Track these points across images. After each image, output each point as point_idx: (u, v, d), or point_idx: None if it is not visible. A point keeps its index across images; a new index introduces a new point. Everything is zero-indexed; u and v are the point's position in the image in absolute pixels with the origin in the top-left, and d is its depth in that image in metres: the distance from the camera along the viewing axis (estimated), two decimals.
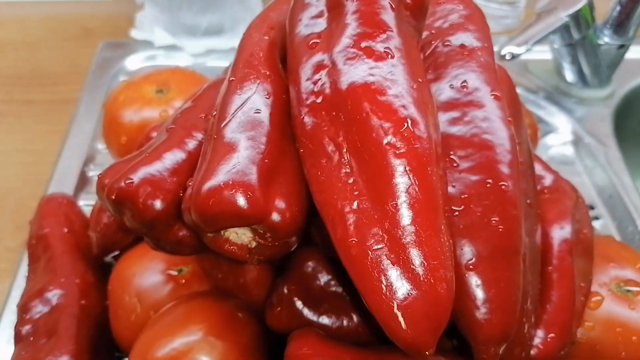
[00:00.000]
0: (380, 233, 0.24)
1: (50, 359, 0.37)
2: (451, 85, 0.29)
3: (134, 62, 0.67)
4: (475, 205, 0.27)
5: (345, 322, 0.32)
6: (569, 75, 0.64)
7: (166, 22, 0.67)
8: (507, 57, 0.53)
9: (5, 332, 0.44)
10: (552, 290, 0.32)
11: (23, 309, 0.42)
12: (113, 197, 0.30)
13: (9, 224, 0.52)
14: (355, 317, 0.32)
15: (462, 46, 0.31)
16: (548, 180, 0.37)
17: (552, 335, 0.31)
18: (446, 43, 0.31)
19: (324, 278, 0.33)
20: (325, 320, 0.32)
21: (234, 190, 0.26)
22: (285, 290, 0.32)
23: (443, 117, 0.28)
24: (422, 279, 0.23)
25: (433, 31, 0.32)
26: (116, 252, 0.44)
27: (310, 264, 0.33)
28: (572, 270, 0.33)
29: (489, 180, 0.27)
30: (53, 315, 0.40)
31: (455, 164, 0.28)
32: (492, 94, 0.29)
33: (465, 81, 0.29)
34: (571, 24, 0.58)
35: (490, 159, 0.27)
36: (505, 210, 0.26)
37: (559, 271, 0.33)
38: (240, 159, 0.27)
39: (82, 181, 0.55)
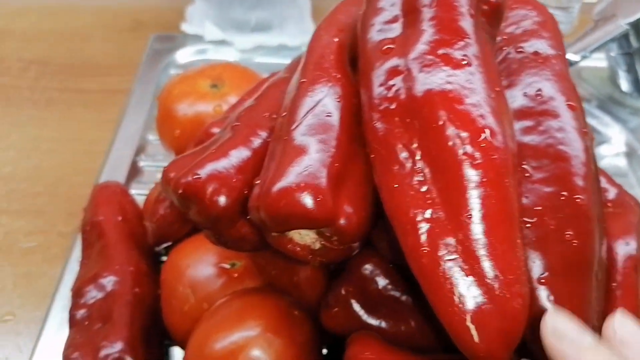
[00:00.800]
0: (454, 244, 0.24)
1: (105, 344, 0.38)
2: (525, 93, 0.29)
3: (184, 56, 0.68)
4: (549, 218, 0.26)
5: (402, 328, 0.32)
6: (625, 84, 0.63)
7: (216, 17, 0.68)
8: None
9: (58, 316, 0.46)
10: (616, 307, 0.31)
11: (77, 293, 0.43)
12: (180, 192, 0.31)
13: (61, 211, 0.54)
14: (412, 323, 0.31)
15: (536, 53, 0.30)
16: (612, 193, 0.36)
17: None
18: (519, 50, 0.30)
19: (382, 282, 0.33)
20: (382, 323, 0.32)
21: (304, 193, 0.26)
22: (343, 292, 0.32)
23: (516, 126, 0.28)
24: (497, 292, 0.23)
25: (505, 37, 0.31)
26: (169, 243, 0.44)
27: (368, 266, 0.33)
28: (636, 287, 0.32)
29: (564, 193, 0.26)
30: (107, 301, 0.41)
31: (527, 174, 0.27)
32: (568, 104, 0.28)
33: (539, 89, 0.28)
34: (631, 32, 0.56)
35: (565, 171, 0.27)
36: (580, 225, 0.26)
37: (623, 288, 0.32)
38: (311, 162, 0.27)
39: (134, 171, 0.56)
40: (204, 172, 0.30)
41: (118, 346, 0.38)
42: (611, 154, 0.59)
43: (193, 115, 0.49)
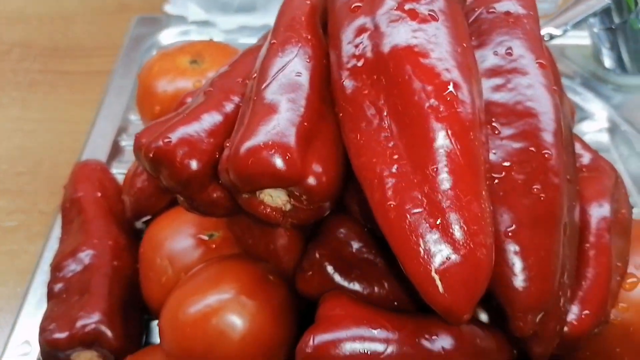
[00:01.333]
0: (420, 197, 0.24)
1: (82, 314, 0.38)
2: (495, 52, 0.29)
3: (168, 37, 0.67)
4: (517, 173, 0.26)
5: (375, 289, 0.32)
6: (607, 61, 0.63)
7: None
8: (546, 38, 0.52)
9: (37, 292, 0.45)
10: (588, 267, 0.32)
11: (56, 268, 0.43)
12: (151, 156, 0.30)
13: (43, 190, 0.54)
14: (386, 285, 0.32)
15: (507, 13, 0.30)
16: (586, 158, 0.37)
17: (586, 312, 0.30)
18: (490, 10, 0.30)
19: (355, 245, 0.33)
20: (356, 286, 0.32)
21: (272, 151, 0.26)
22: (317, 255, 0.32)
23: (486, 84, 0.28)
24: (461, 243, 0.23)
25: None
26: (148, 217, 0.44)
27: (342, 230, 0.33)
28: (609, 248, 0.32)
29: (532, 148, 0.26)
30: (85, 274, 0.41)
31: (497, 131, 0.27)
32: (537, 62, 0.28)
33: (510, 48, 0.28)
34: (613, 7, 0.56)
35: (534, 127, 0.27)
36: (547, 179, 0.26)
37: (596, 249, 0.32)
38: (280, 121, 0.27)
39: (115, 150, 0.56)
40: (174, 135, 0.30)
41: (95, 317, 0.37)
42: (594, 130, 0.59)
43: (173, 92, 0.48)
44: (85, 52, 0.67)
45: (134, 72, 0.63)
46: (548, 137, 0.27)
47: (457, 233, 0.23)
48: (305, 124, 0.28)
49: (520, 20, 0.30)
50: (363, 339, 0.26)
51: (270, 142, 0.26)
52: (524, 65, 0.28)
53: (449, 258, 0.23)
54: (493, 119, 0.27)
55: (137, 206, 0.43)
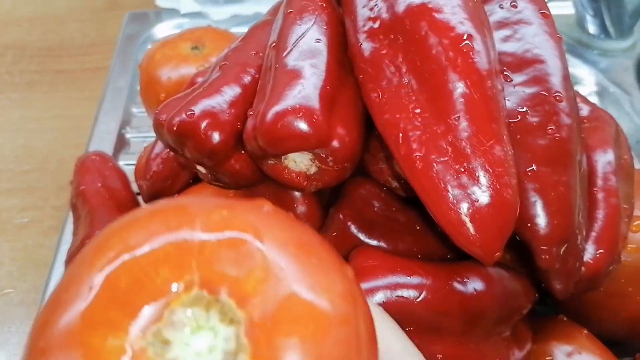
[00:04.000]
0: (444, 146, 0.25)
1: None
2: (501, 5, 0.30)
3: (162, 30, 0.68)
4: (531, 116, 0.28)
5: (400, 244, 0.33)
6: (592, 27, 0.65)
7: None
8: None
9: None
10: (598, 209, 0.33)
11: (67, 263, 0.43)
12: (175, 129, 0.31)
13: (52, 186, 0.54)
14: (409, 239, 0.33)
15: None
16: (585, 110, 0.38)
17: (601, 251, 0.32)
18: None
19: (377, 204, 0.34)
20: (380, 242, 0.33)
21: (300, 114, 0.27)
22: (341, 217, 0.33)
23: (495, 36, 0.29)
24: (487, 186, 0.24)
25: None
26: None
27: (362, 191, 0.34)
28: (616, 189, 0.34)
29: (543, 92, 0.28)
30: None
31: (509, 79, 0.29)
32: (541, 12, 0.30)
33: (514, 1, 0.30)
34: None
35: (543, 72, 0.28)
36: (560, 119, 0.27)
37: (604, 191, 0.34)
38: (305, 85, 0.28)
39: (121, 143, 0.56)
40: (197, 108, 0.31)
41: None
42: (583, 94, 0.61)
43: (177, 79, 0.49)
44: (80, 50, 0.67)
45: (131, 67, 0.63)
46: (557, 80, 0.28)
47: (483, 176, 0.24)
48: (328, 87, 0.29)
49: None
50: (398, 285, 0.27)
51: (297, 106, 0.27)
52: (528, 16, 0.30)
53: (477, 200, 0.24)
54: (505, 68, 0.29)
55: (154, 189, 0.43)
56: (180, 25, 0.68)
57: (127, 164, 0.54)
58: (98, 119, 0.58)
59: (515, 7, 0.30)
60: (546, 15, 0.30)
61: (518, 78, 0.28)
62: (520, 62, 0.29)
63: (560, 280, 0.29)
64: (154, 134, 0.56)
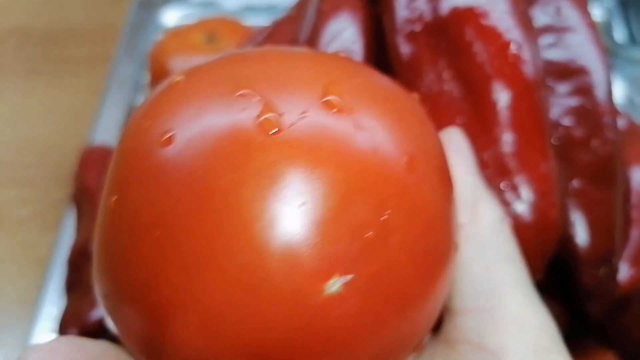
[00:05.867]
0: (486, 159, 0.24)
1: (92, 310, 0.37)
2: (544, 10, 0.28)
3: (170, 19, 0.66)
4: (574, 129, 0.26)
5: None
6: (619, 35, 0.63)
7: None
8: None
9: (57, 282, 0.44)
10: (633, 227, 0.32)
11: (70, 262, 0.42)
12: None
13: (54, 179, 0.52)
14: None
15: None
16: (620, 123, 0.37)
17: (635, 271, 0.31)
18: None
19: None
20: None
21: None
22: None
23: (539, 43, 0.28)
24: (532, 204, 0.23)
25: None
26: None
27: None
28: None
29: (587, 105, 0.26)
30: None
31: (552, 89, 0.27)
32: (587, 20, 0.28)
33: (558, 7, 0.28)
34: None
35: (588, 83, 0.27)
36: (603, 134, 0.26)
37: (639, 209, 0.32)
38: None
39: None
40: None
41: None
42: None
43: None
44: (85, 37, 0.65)
45: (138, 57, 0.61)
46: (602, 93, 0.27)
47: (527, 194, 0.23)
48: None
49: None
50: None
51: None
52: (574, 24, 0.28)
53: (520, 219, 0.23)
54: (548, 77, 0.27)
55: None
56: (190, 16, 0.66)
57: None
58: (102, 109, 0.56)
59: (560, 13, 0.28)
60: (592, 24, 0.28)
61: (561, 88, 0.27)
62: (564, 72, 0.27)
63: (597, 301, 0.28)
64: None
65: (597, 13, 0.64)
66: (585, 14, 0.29)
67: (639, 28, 0.61)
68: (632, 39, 0.62)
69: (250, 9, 0.66)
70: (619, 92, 0.60)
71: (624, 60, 0.63)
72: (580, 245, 0.25)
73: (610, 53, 0.63)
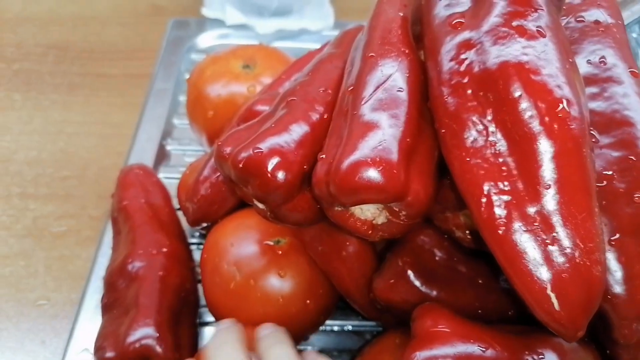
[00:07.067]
0: (532, 214, 0.24)
1: (130, 332, 0.37)
2: (588, 60, 0.29)
3: (205, 40, 0.67)
4: (618, 182, 0.27)
5: (460, 298, 0.32)
6: None
7: (237, 1, 0.67)
8: None
9: (93, 299, 0.45)
10: None
11: (107, 281, 0.42)
12: (240, 166, 0.30)
13: (91, 194, 0.53)
14: (471, 293, 0.32)
15: (597, 22, 0.30)
16: None
17: None
18: (579, 19, 0.31)
19: (438, 253, 0.33)
20: (439, 294, 0.32)
21: (380, 167, 0.26)
22: (400, 263, 0.33)
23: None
24: (577, 261, 0.23)
25: (564, 7, 0.32)
26: (206, 224, 0.44)
27: (424, 238, 0.33)
28: None
29: (631, 157, 0.27)
30: (132, 288, 0.40)
31: (595, 140, 0.27)
32: (630, 71, 0.29)
33: (603, 57, 0.29)
34: None
35: (632, 136, 0.27)
36: None
37: None
38: (385, 136, 0.27)
39: (161, 154, 0.55)
40: (265, 146, 0.30)
41: (143, 332, 0.37)
42: None
43: (227, 96, 0.48)
44: (123, 54, 0.67)
45: (174, 76, 0.63)
46: None
47: (573, 251, 0.23)
48: (408, 140, 0.28)
49: (610, 29, 0.30)
50: (471, 357, 0.26)
51: (378, 159, 0.26)
52: (618, 74, 0.28)
53: (565, 276, 0.23)
54: (591, 128, 0.28)
55: (200, 213, 0.43)
56: (225, 36, 0.68)
57: (167, 177, 0.53)
58: (140, 127, 0.57)
59: (605, 63, 0.29)
60: (636, 74, 0.28)
61: (605, 139, 0.27)
62: (608, 123, 0.27)
63: (631, 354, 0.28)
64: (194, 147, 0.56)
65: None
66: (630, 64, 0.29)
67: None
68: None
69: (283, 33, 0.67)
70: None
71: None
72: (620, 299, 0.25)
73: None
